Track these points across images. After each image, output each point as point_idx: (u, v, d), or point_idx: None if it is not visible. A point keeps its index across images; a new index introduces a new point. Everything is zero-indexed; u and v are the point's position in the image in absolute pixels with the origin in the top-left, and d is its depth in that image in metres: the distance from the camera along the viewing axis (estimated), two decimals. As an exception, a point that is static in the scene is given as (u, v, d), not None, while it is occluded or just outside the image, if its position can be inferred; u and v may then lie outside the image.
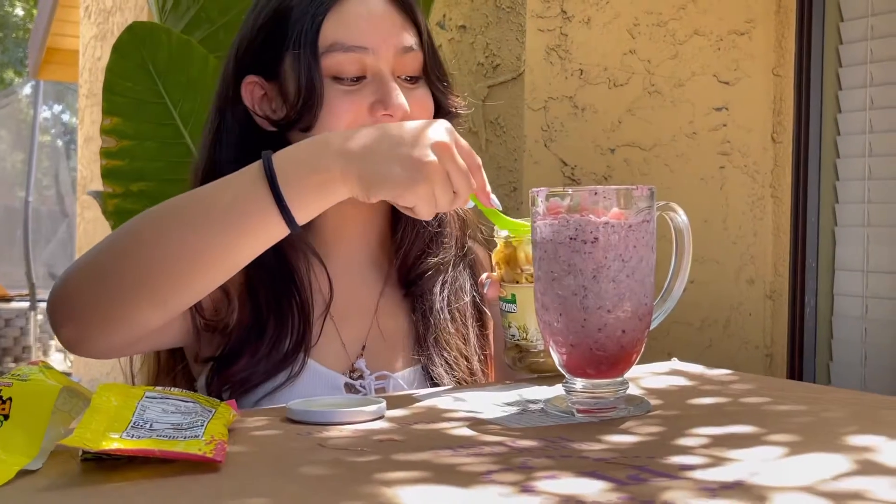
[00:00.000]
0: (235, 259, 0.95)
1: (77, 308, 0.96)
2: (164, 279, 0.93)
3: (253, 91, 1.13)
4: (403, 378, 1.14)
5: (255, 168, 0.93)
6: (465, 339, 1.19)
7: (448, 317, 1.19)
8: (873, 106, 2.21)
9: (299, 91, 1.08)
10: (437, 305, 1.18)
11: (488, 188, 0.98)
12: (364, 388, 1.11)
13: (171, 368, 1.17)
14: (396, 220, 1.22)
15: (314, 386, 1.09)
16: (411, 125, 0.95)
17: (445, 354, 1.16)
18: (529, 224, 0.90)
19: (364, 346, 1.15)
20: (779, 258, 2.37)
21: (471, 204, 0.99)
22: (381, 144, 0.93)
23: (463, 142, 0.95)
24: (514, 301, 1.00)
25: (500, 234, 1.01)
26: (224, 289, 1.08)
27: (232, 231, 0.92)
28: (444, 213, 1.22)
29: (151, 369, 1.19)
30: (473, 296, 1.23)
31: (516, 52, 2.09)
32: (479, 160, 0.97)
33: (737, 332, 2.35)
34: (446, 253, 1.21)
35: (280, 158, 0.93)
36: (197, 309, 1.07)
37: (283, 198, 0.91)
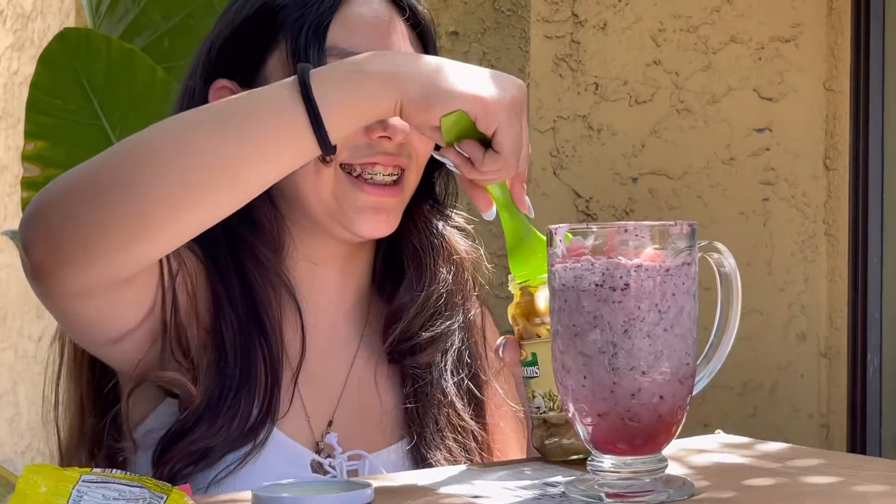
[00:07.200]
0: (253, 174, 0.95)
1: (57, 226, 0.93)
2: (170, 192, 0.92)
3: (223, 97, 1.13)
4: (382, 459, 1.13)
5: (288, 80, 0.95)
6: (461, 428, 1.17)
7: (453, 391, 1.17)
8: (944, 126, 2.23)
9: None
10: (438, 376, 1.17)
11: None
12: (334, 468, 1.10)
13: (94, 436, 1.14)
14: (392, 278, 1.21)
15: (276, 461, 1.08)
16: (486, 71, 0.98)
17: (446, 436, 1.14)
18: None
19: (332, 418, 1.15)
20: (835, 308, 2.38)
21: (490, 215, 1.01)
22: (442, 69, 0.95)
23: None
24: (535, 363, 0.96)
25: (515, 282, 0.98)
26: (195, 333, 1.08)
27: (254, 138, 0.93)
28: (458, 258, 1.22)
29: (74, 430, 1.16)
30: (472, 369, 1.21)
31: (519, 62, 2.11)
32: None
33: (786, 398, 2.35)
34: (454, 314, 1.20)
35: (316, 69, 0.95)
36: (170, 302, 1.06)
37: (312, 95, 0.91)
